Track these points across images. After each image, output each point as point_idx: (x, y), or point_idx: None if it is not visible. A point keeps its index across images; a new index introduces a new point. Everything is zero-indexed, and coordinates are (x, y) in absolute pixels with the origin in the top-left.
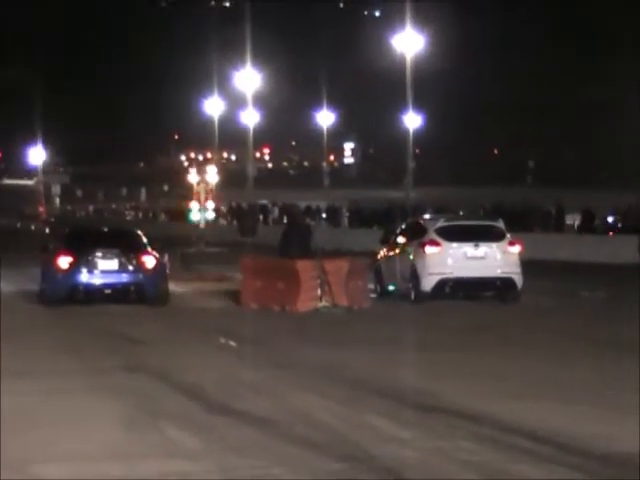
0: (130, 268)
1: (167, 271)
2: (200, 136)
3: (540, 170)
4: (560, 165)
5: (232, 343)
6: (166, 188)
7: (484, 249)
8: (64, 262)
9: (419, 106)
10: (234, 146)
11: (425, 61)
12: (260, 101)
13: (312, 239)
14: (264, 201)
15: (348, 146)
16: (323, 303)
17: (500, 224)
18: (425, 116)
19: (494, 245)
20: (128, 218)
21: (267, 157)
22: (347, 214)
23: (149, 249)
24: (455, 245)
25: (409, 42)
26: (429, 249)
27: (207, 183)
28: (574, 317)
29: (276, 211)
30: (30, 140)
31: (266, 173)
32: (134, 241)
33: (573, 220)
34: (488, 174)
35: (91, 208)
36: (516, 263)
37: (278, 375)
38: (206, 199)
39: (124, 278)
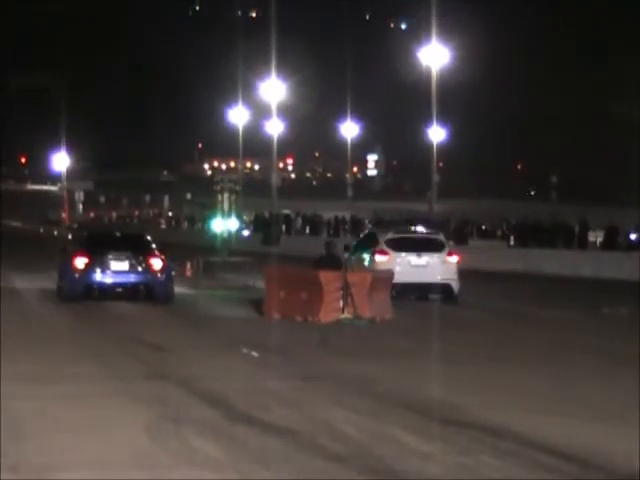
0: (139, 269)
1: (173, 273)
2: (224, 145)
3: (564, 185)
4: (584, 181)
5: (254, 353)
6: (189, 196)
7: (426, 258)
8: (80, 263)
9: (444, 119)
10: (258, 156)
11: (450, 74)
12: (285, 111)
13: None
14: (287, 211)
15: (372, 158)
16: (346, 314)
17: (441, 237)
18: (449, 129)
19: (435, 255)
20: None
21: (290, 167)
22: (370, 226)
23: (157, 252)
24: (402, 254)
25: (435, 55)
26: (379, 257)
27: (231, 193)
28: (595, 333)
29: (299, 221)
30: (54, 146)
31: (289, 183)
32: (143, 245)
33: (595, 237)
34: (511, 188)
35: (114, 215)
36: (454, 271)
37: (301, 386)
38: (230, 209)
39: (134, 278)
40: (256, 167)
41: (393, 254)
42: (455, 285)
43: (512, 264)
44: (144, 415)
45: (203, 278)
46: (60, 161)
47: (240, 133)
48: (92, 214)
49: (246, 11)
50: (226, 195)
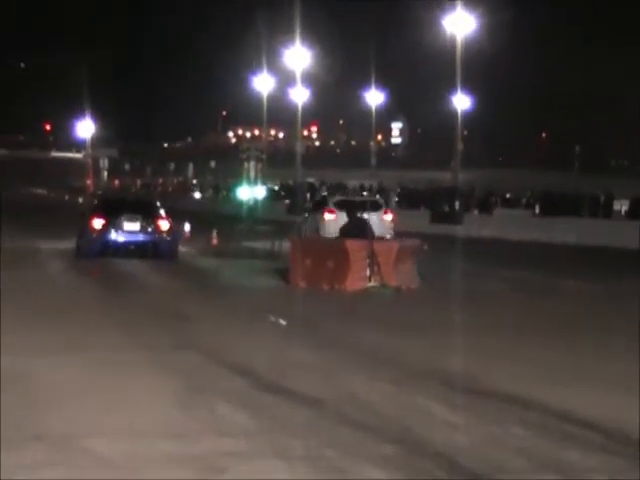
0: (149, 230)
1: (179, 234)
2: (248, 113)
3: (587, 155)
4: (608, 151)
5: (282, 322)
6: (213, 164)
7: (367, 216)
8: (98, 224)
9: (468, 88)
10: (282, 124)
11: (476, 42)
12: (309, 79)
13: (369, 230)
14: (311, 179)
15: (396, 126)
16: (372, 283)
17: (380, 199)
18: (474, 98)
19: (374, 214)
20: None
21: (315, 135)
22: (396, 196)
23: (164, 215)
24: (344, 213)
25: (460, 23)
26: (327, 215)
27: (257, 161)
28: (620, 305)
29: (324, 190)
30: (79, 114)
31: (313, 151)
32: (152, 209)
33: (620, 206)
34: (536, 158)
35: (139, 182)
36: (389, 227)
37: (328, 355)
38: (256, 177)
39: (143, 237)
40: (280, 135)
41: (338, 212)
42: (390, 236)
43: (537, 234)
44: (172, 385)
45: (230, 246)
46: (85, 129)
47: (264, 101)
48: (116, 182)
49: None
50: (252, 163)
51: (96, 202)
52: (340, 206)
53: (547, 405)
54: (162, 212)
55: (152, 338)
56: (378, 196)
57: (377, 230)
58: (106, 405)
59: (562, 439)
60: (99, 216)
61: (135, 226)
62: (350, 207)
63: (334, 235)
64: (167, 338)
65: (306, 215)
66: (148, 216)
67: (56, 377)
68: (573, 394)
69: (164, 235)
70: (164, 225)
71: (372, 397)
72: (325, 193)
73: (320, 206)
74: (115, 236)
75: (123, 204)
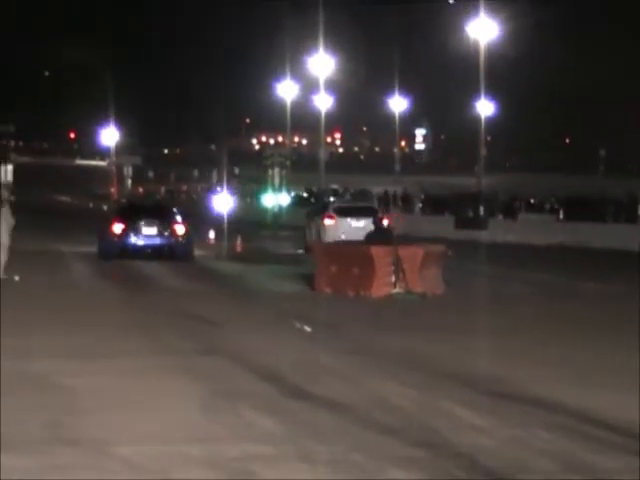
0: (165, 234)
1: (194, 237)
2: (272, 120)
3: (612, 159)
4: (632, 155)
5: (307, 328)
6: (237, 171)
7: (363, 221)
8: (118, 228)
9: (492, 93)
10: (306, 130)
11: (499, 48)
12: (333, 85)
13: (393, 240)
14: (335, 186)
15: (420, 132)
16: (397, 289)
17: (374, 205)
18: (497, 103)
19: (369, 220)
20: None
21: (338, 142)
22: (420, 201)
23: (180, 220)
24: (345, 219)
25: (483, 29)
26: (327, 221)
27: (281, 168)
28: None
29: (348, 196)
30: (103, 121)
31: (337, 158)
32: (169, 214)
33: None
34: (559, 162)
35: (163, 189)
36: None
37: (354, 360)
38: (280, 183)
39: (160, 240)
40: (304, 142)
41: (338, 218)
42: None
43: (561, 238)
44: (198, 390)
45: (254, 252)
46: (109, 136)
47: (288, 107)
48: (140, 189)
49: None
50: (276, 170)
51: (116, 208)
52: (339, 212)
53: (571, 407)
54: (178, 217)
55: (178, 343)
56: (374, 205)
57: None
58: (134, 410)
59: (586, 441)
60: (119, 221)
61: (152, 230)
62: (348, 213)
63: (333, 239)
64: (193, 343)
65: (307, 221)
66: (165, 221)
67: (84, 382)
68: (597, 396)
69: (180, 239)
70: (180, 229)
71: (397, 401)
72: (332, 199)
73: (321, 212)
74: (134, 239)
75: (141, 210)
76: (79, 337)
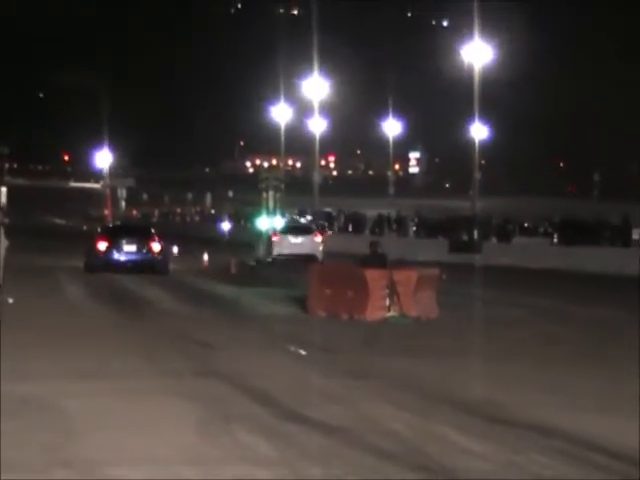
0: (144, 250)
1: (170, 253)
2: (266, 142)
3: (605, 183)
4: (626, 179)
5: (302, 351)
6: (231, 194)
7: (301, 239)
8: (102, 245)
9: (486, 117)
10: (300, 153)
11: (493, 72)
12: (327, 109)
13: (387, 263)
14: (329, 209)
15: (414, 155)
16: (392, 313)
17: (312, 225)
18: (492, 127)
19: (307, 237)
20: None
21: (332, 165)
22: (414, 225)
23: (157, 239)
24: (286, 236)
25: (477, 52)
26: (274, 238)
27: (276, 191)
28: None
29: (342, 219)
30: (97, 144)
31: (331, 181)
32: (147, 233)
33: (639, 234)
34: (554, 186)
35: (156, 212)
36: (318, 246)
37: (348, 384)
38: (274, 206)
39: (139, 256)
40: (298, 165)
41: (281, 236)
42: (319, 254)
43: (556, 262)
44: (193, 412)
45: (247, 276)
46: (103, 158)
47: (282, 131)
48: (135, 211)
49: (287, 9)
50: (271, 193)
51: (101, 228)
52: (282, 231)
53: (568, 432)
54: (155, 236)
55: (172, 365)
56: (312, 224)
57: (309, 249)
58: (129, 432)
59: (584, 466)
60: (103, 239)
61: (133, 247)
62: (290, 231)
63: (277, 253)
64: (187, 365)
65: (261, 238)
66: (143, 239)
67: (80, 404)
68: (594, 421)
69: (157, 255)
70: (156, 247)
71: (393, 425)
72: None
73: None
74: (116, 255)
75: (123, 229)
76: (75, 360)
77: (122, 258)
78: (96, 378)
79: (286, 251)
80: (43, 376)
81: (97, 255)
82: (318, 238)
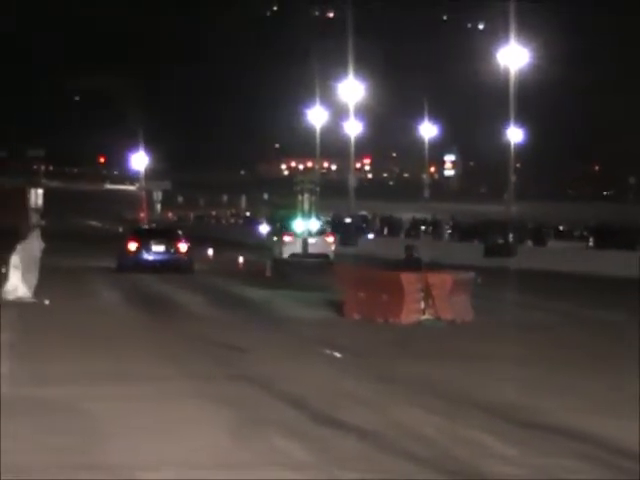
0: (171, 251)
1: (194, 254)
2: (301, 145)
3: None
4: None
5: (336, 354)
6: (266, 196)
7: (315, 239)
8: (133, 246)
9: (521, 120)
10: (335, 156)
11: (529, 75)
12: (362, 111)
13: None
14: (364, 212)
15: (449, 158)
16: (426, 316)
17: (327, 227)
18: (527, 130)
19: (320, 237)
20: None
21: (367, 168)
22: (449, 228)
23: (183, 240)
24: (299, 237)
25: (513, 56)
26: (286, 238)
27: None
28: None
29: (377, 222)
30: (132, 146)
31: (366, 184)
32: (175, 235)
33: None
34: (589, 190)
35: (192, 215)
36: (331, 247)
37: (382, 388)
38: (310, 209)
39: (167, 256)
40: (333, 167)
41: (294, 236)
42: (331, 254)
43: (591, 266)
44: (225, 415)
45: (281, 279)
46: (138, 161)
47: (318, 133)
48: (170, 214)
49: (323, 11)
50: (306, 196)
51: (131, 230)
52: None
53: (598, 437)
54: (182, 237)
55: (203, 368)
56: (325, 226)
57: (322, 249)
58: (159, 436)
59: (613, 471)
60: (134, 240)
61: (161, 248)
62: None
63: (290, 254)
64: (220, 369)
65: (274, 239)
66: (171, 240)
67: (111, 407)
68: (625, 427)
69: (182, 255)
70: (183, 247)
71: (425, 429)
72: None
73: (281, 231)
74: (146, 255)
75: (152, 231)
76: (108, 362)
77: (151, 258)
78: (126, 381)
79: (300, 251)
80: (73, 378)
81: (128, 255)
82: (330, 238)
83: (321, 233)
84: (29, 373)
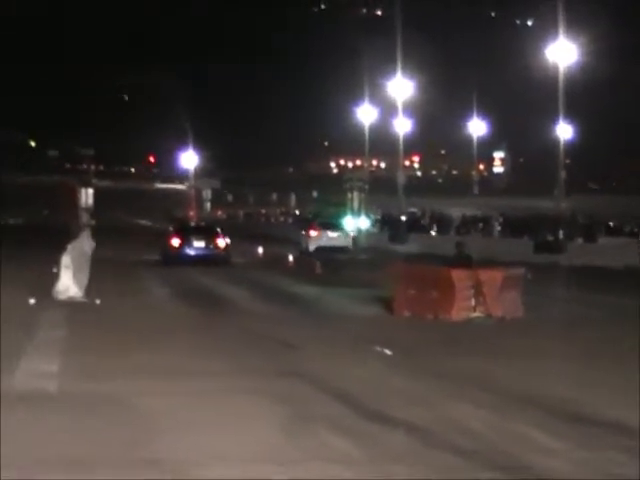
0: (211, 246)
1: (231, 250)
2: (350, 143)
3: None
4: None
5: (386, 351)
6: (315, 194)
7: (336, 233)
8: (175, 242)
9: (571, 116)
10: (384, 154)
11: (578, 71)
12: (411, 109)
13: (472, 263)
14: (413, 209)
15: (498, 155)
16: (477, 313)
17: (343, 222)
18: (576, 126)
19: (341, 231)
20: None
21: (416, 165)
22: (499, 225)
23: (222, 236)
24: (324, 231)
25: (562, 52)
26: (312, 232)
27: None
28: None
29: (426, 219)
30: (182, 145)
31: (415, 181)
32: (214, 232)
33: None
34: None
35: (241, 213)
36: (350, 240)
37: (432, 384)
38: (359, 207)
39: (207, 251)
40: (382, 165)
41: (320, 231)
42: (350, 246)
43: None
44: (277, 412)
45: (332, 275)
46: (188, 160)
47: (366, 131)
48: (219, 212)
49: (371, 9)
50: (355, 193)
51: (173, 227)
52: (322, 225)
53: None
54: (220, 234)
55: (255, 364)
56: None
57: (343, 242)
58: (212, 432)
59: None
60: (176, 236)
61: (201, 244)
62: (326, 226)
63: (315, 247)
64: (272, 365)
65: (302, 233)
66: (210, 236)
67: (164, 403)
68: None
69: (221, 250)
70: (221, 243)
71: (474, 424)
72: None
73: (307, 224)
74: (187, 251)
75: (193, 227)
76: (161, 358)
77: (192, 253)
78: (179, 376)
79: (324, 244)
80: (126, 375)
81: (171, 250)
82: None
83: (341, 227)
84: (84, 369)
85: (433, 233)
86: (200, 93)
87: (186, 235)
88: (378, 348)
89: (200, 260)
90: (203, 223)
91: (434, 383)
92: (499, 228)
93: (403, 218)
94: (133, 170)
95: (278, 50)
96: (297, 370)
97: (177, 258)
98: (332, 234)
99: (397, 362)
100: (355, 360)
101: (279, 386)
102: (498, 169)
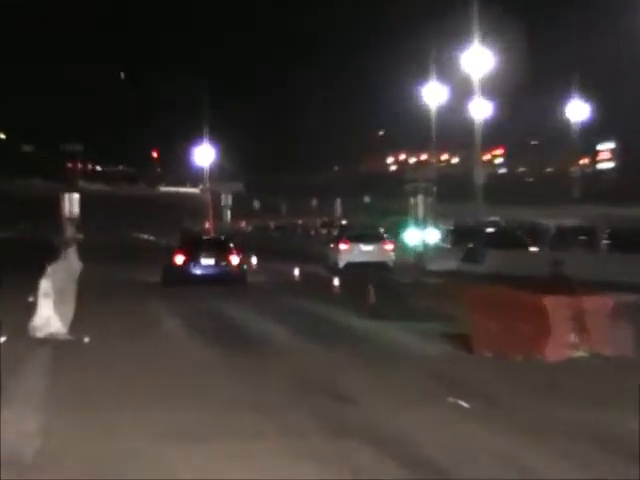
0: (222, 264)
1: (246, 267)
2: (412, 134)
3: None
4: None
5: (463, 403)
6: (367, 199)
7: (371, 246)
8: (179, 259)
9: None
10: (457, 147)
11: None
12: (492, 89)
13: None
14: (495, 218)
15: (605, 147)
16: (580, 352)
17: (380, 232)
18: None
19: (376, 244)
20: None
21: (500, 160)
22: (607, 237)
23: (235, 252)
24: (356, 244)
25: None
26: (342, 245)
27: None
28: None
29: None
30: (194, 139)
31: (498, 181)
32: (225, 246)
33: None
34: None
35: (272, 224)
36: (389, 255)
37: (526, 444)
38: (425, 215)
39: (217, 270)
40: (454, 161)
41: (351, 244)
42: (390, 262)
43: None
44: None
45: (391, 305)
46: (203, 156)
47: (433, 116)
48: (243, 223)
49: None
50: (420, 198)
51: (179, 242)
52: (352, 238)
53: None
54: (233, 249)
55: (303, 422)
56: (382, 229)
57: (378, 257)
58: None
59: None
60: (181, 253)
61: (210, 261)
62: (358, 239)
63: (345, 263)
64: (322, 422)
65: (331, 246)
66: (221, 252)
67: (192, 467)
68: None
69: (234, 268)
70: (234, 260)
71: None
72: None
73: (337, 238)
74: (193, 269)
75: (202, 242)
76: (179, 415)
77: (199, 272)
78: (206, 437)
79: (357, 259)
80: (142, 435)
81: (173, 268)
82: (389, 246)
83: (378, 239)
84: (77, 428)
85: (532, 249)
86: (217, 88)
87: (193, 251)
88: (451, 399)
89: (208, 280)
90: (214, 236)
91: (528, 442)
92: (607, 242)
93: (490, 230)
94: (132, 170)
95: (338, 34)
96: (350, 428)
97: (180, 278)
98: (366, 247)
99: (477, 416)
100: (424, 414)
101: (334, 449)
102: (606, 165)
